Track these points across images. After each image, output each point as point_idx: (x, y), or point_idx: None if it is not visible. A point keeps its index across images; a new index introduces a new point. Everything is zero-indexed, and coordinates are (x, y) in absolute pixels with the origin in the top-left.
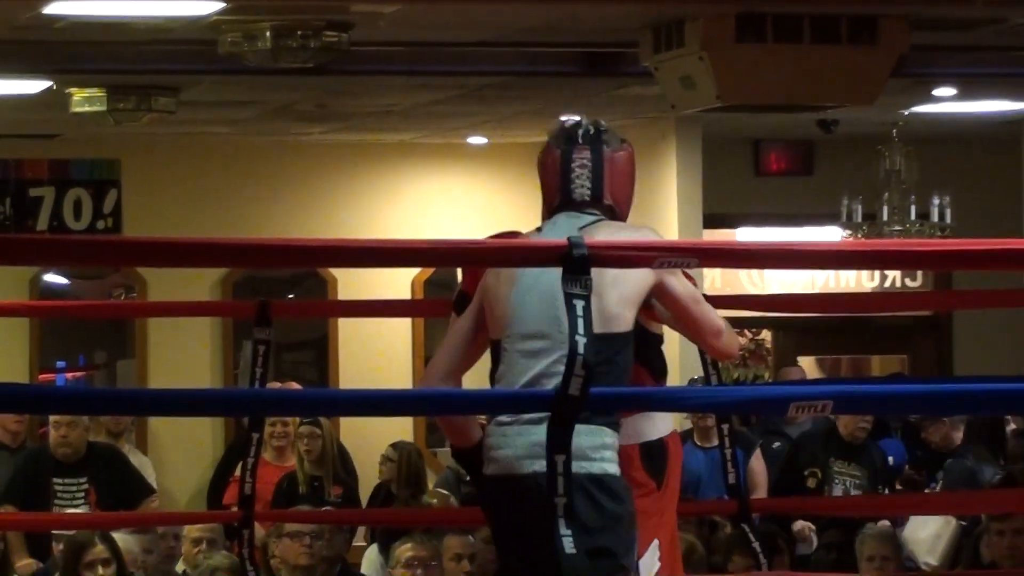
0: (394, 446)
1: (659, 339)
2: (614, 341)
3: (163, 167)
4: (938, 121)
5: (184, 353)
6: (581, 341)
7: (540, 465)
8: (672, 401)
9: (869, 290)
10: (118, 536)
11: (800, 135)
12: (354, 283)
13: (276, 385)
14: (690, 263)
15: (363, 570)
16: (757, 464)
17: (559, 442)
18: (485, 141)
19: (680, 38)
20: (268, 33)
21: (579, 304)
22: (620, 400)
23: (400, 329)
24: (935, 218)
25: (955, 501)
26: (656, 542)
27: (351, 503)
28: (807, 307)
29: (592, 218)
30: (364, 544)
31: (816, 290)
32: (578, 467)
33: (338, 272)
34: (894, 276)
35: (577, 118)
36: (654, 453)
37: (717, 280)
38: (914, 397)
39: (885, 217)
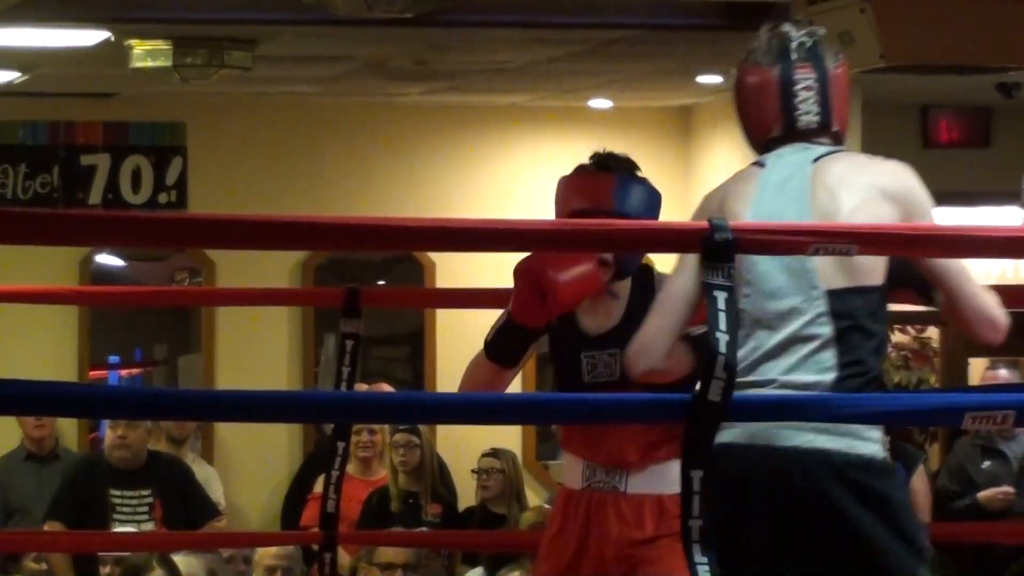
0: (496, 454)
1: None
2: (865, 297)
3: (235, 132)
4: None
5: (257, 348)
6: (723, 339)
7: (806, 440)
8: (829, 409)
9: None
10: (179, 559)
11: (976, 100)
12: (455, 268)
13: (363, 387)
14: (849, 250)
15: None
16: (920, 483)
17: (693, 456)
18: (610, 104)
19: None
20: None
21: (721, 297)
22: (764, 408)
23: None
24: None
25: None
26: None
27: (452, 523)
28: None
29: (825, 148)
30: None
31: (992, 281)
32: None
33: (437, 256)
34: None
35: (782, 27)
36: None
37: None
38: None
39: None
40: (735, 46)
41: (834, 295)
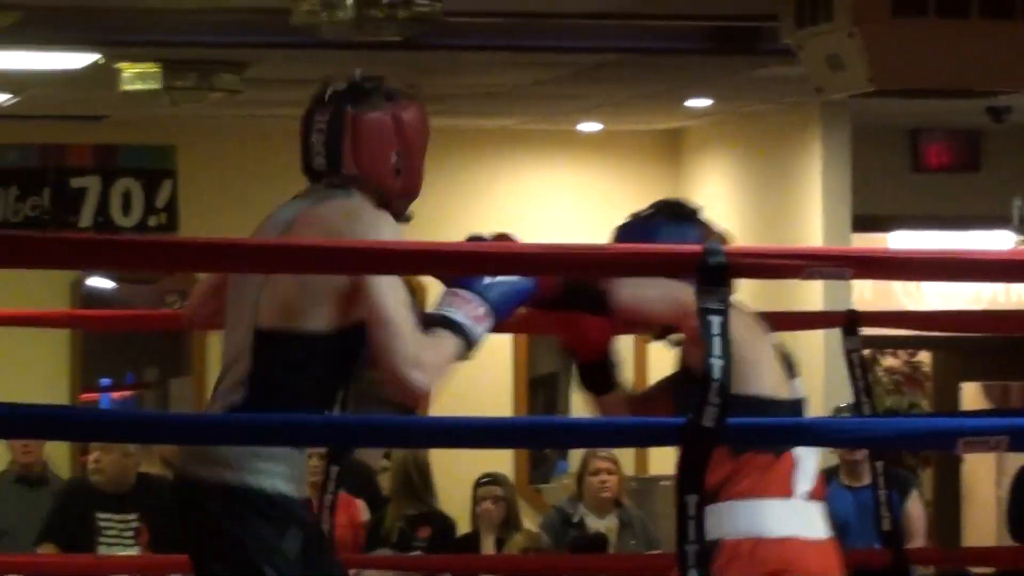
0: (495, 481)
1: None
2: (300, 342)
3: (226, 155)
4: None
5: None
6: (718, 364)
7: (208, 471)
8: (820, 433)
9: None
10: None
11: (966, 124)
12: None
13: None
14: (842, 274)
15: None
16: (914, 508)
17: (688, 482)
18: (599, 127)
19: (828, 11)
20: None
21: (716, 321)
22: (760, 433)
23: (499, 346)
24: None
25: None
26: None
27: (442, 547)
28: (972, 325)
29: (331, 192)
30: None
31: (983, 305)
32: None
33: (428, 280)
34: None
35: (333, 77)
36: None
37: (867, 292)
38: None
39: None
40: (723, 69)
41: (262, 335)
